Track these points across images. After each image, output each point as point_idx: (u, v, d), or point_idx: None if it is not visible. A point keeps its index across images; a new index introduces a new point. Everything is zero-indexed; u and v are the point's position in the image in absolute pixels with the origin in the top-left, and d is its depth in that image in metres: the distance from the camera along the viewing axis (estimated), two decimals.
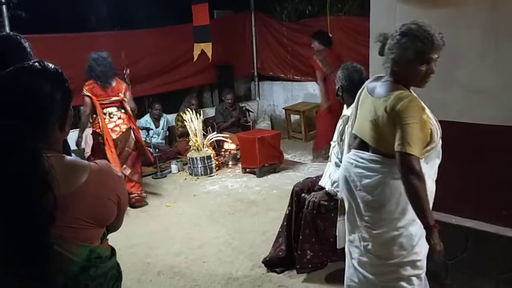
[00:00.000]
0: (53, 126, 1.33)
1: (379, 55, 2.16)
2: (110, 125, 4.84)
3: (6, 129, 1.15)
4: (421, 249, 2.16)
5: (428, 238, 2.00)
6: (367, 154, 2.21)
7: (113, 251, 1.47)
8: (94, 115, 4.89)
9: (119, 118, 4.91)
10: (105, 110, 4.84)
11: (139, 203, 4.99)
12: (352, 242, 2.36)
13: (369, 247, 2.23)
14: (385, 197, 2.14)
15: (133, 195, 4.96)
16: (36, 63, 1.33)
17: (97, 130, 4.86)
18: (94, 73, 4.75)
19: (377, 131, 2.12)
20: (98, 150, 4.90)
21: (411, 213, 2.07)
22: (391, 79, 2.11)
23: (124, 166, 4.89)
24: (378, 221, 2.19)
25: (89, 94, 4.75)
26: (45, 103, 1.29)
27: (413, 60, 2.01)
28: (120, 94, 4.88)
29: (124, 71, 5.33)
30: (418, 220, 2.03)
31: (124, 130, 4.90)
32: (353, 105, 2.41)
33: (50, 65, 1.36)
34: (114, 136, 4.82)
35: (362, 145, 2.27)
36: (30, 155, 1.17)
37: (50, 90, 1.30)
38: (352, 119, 2.39)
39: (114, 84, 4.87)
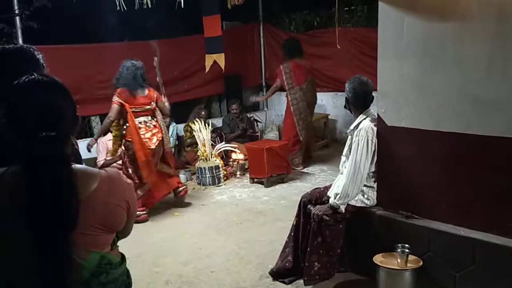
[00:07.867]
0: (68, 137, 1.37)
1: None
2: (148, 135, 4.77)
3: (45, 139, 1.24)
4: None
5: None
6: None
7: (123, 257, 1.50)
8: (126, 125, 4.76)
9: (155, 126, 4.87)
10: (139, 119, 4.77)
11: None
12: None
13: None
14: None
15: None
16: (45, 77, 1.34)
17: (131, 139, 4.76)
18: (122, 79, 4.72)
19: None
20: (132, 161, 4.81)
21: None
22: None
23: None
24: None
25: (121, 101, 4.67)
26: (63, 115, 1.33)
27: None
28: (152, 103, 4.84)
29: (158, 79, 5.24)
30: None
31: (160, 139, 4.87)
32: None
33: (57, 79, 1.38)
34: (153, 146, 4.77)
35: None
36: (64, 163, 1.28)
37: (64, 103, 1.34)
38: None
39: (146, 92, 4.83)
